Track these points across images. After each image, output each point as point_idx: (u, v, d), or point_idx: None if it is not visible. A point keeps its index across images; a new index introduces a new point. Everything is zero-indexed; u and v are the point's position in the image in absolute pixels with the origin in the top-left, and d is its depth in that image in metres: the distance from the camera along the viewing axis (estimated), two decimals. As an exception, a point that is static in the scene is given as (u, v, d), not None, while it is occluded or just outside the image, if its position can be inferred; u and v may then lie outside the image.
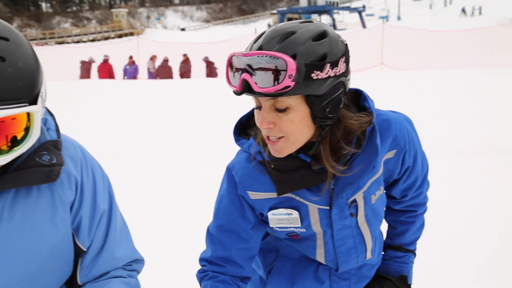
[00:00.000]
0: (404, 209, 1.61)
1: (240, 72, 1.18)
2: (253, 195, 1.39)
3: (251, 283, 1.63)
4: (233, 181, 1.41)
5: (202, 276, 1.45)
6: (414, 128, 1.46)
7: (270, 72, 1.15)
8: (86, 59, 18.94)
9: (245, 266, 1.45)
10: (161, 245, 4.24)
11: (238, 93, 1.20)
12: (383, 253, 1.66)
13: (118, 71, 19.06)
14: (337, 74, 1.21)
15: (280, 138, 1.25)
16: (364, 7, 60.61)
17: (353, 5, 72.62)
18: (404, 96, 10.25)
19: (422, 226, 1.65)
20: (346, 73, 1.25)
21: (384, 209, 1.54)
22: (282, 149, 1.27)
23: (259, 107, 1.25)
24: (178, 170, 6.74)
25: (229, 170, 1.42)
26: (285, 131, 1.23)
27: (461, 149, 7.18)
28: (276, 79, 1.14)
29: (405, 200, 1.57)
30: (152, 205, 5.31)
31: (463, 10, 50.46)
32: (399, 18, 56.25)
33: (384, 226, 1.62)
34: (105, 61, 18.17)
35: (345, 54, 1.24)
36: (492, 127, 8.28)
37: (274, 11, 63.94)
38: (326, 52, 1.18)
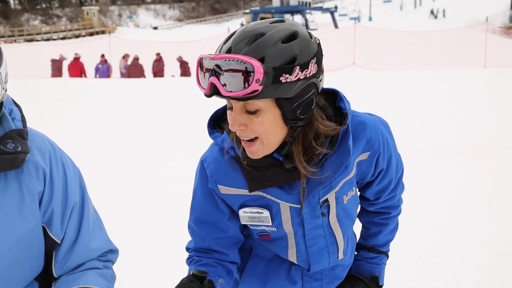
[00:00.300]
0: (378, 211, 1.61)
1: (209, 74, 1.18)
2: (224, 189, 1.39)
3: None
4: (204, 174, 1.41)
5: (189, 261, 1.47)
6: (389, 131, 1.47)
7: (238, 76, 1.14)
8: (57, 57, 18.61)
9: (229, 253, 1.46)
10: (130, 245, 4.23)
11: (207, 95, 1.19)
12: (356, 253, 1.66)
13: (90, 69, 18.80)
14: (308, 76, 1.20)
15: (254, 140, 1.25)
16: (336, 7, 61.10)
17: (326, 5, 73.14)
18: (376, 96, 10.40)
19: (395, 228, 1.66)
20: (318, 73, 1.24)
21: (357, 210, 1.55)
22: (257, 151, 1.27)
23: (230, 108, 1.25)
24: (151, 169, 6.71)
25: (201, 162, 1.42)
26: (257, 132, 1.24)
27: (433, 149, 7.34)
28: (244, 83, 1.13)
29: (379, 202, 1.57)
30: (126, 204, 5.29)
31: (432, 12, 51.25)
32: (370, 19, 56.88)
33: (357, 227, 1.64)
34: (76, 59, 17.87)
35: (317, 54, 1.23)
36: (463, 126, 8.47)
37: (247, 11, 63.91)
38: (295, 54, 1.17)
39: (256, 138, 1.25)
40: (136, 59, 17.95)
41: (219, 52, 1.20)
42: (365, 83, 12.18)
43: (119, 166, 6.97)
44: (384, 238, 1.64)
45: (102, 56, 18.38)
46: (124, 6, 76.13)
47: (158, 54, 18.38)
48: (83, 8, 62.17)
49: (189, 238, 1.51)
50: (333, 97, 1.38)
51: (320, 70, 1.25)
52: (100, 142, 8.36)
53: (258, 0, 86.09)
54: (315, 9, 63.79)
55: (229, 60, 1.14)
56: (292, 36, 1.19)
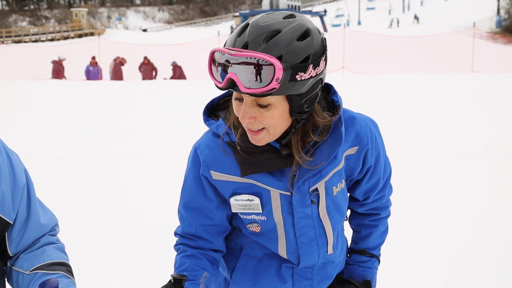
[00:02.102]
0: (367, 212, 1.63)
1: (222, 67, 1.20)
2: (216, 175, 1.41)
3: (216, 285, 1.64)
4: (197, 160, 1.43)
5: (176, 249, 1.50)
6: (378, 131, 1.50)
7: (261, 75, 1.16)
8: (56, 59, 18.40)
9: (214, 241, 1.49)
10: (120, 248, 4.22)
11: (222, 88, 1.21)
12: (347, 257, 1.67)
13: (80, 71, 18.67)
14: (318, 73, 1.24)
15: (261, 129, 1.29)
16: (325, 11, 61.29)
17: (315, 9, 73.43)
18: (365, 100, 10.46)
19: (386, 231, 1.67)
20: (325, 70, 1.28)
21: (347, 206, 1.56)
22: (262, 139, 1.31)
23: (238, 99, 1.28)
24: (141, 171, 6.71)
25: (195, 149, 1.45)
26: (265, 125, 1.28)
27: (421, 152, 7.40)
28: (265, 81, 1.17)
29: (368, 202, 1.59)
30: (116, 207, 5.28)
31: (416, 17, 51.61)
32: (359, 23, 57.19)
33: (348, 233, 1.66)
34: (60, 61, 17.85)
35: (325, 51, 1.27)
36: (451, 130, 8.56)
37: (237, 14, 63.93)
38: (310, 53, 1.21)
39: (263, 128, 1.29)
40: (118, 61, 17.70)
41: (233, 46, 1.21)
42: (354, 87, 12.25)
43: (108, 168, 6.95)
44: (375, 240, 1.65)
45: (93, 58, 18.15)
46: (113, 8, 75.82)
47: (145, 58, 18.20)
48: (72, 9, 61.84)
49: None
50: (327, 91, 1.43)
51: (326, 67, 1.29)
52: (89, 144, 8.33)
53: (248, 3, 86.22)
54: (305, 12, 63.93)
55: (250, 57, 1.16)
56: (306, 34, 1.22)
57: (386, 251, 1.85)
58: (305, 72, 1.20)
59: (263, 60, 1.16)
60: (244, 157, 1.36)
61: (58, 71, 18.12)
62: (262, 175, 1.38)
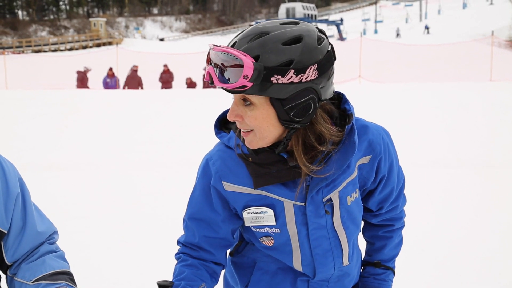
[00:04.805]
0: (381, 223, 1.60)
1: (209, 63, 1.25)
2: (228, 186, 1.41)
3: None
4: (209, 172, 1.43)
5: (176, 258, 1.50)
6: (391, 141, 1.48)
7: (230, 69, 1.19)
8: (82, 69, 18.61)
9: (216, 254, 1.48)
10: (130, 257, 4.23)
11: (209, 83, 1.25)
12: (362, 270, 1.65)
13: (97, 81, 18.85)
14: (303, 80, 1.21)
15: (250, 131, 1.30)
16: (342, 20, 61.31)
17: (331, 18, 73.48)
18: (382, 109, 10.40)
19: (400, 242, 1.65)
20: (319, 80, 1.24)
21: (361, 217, 1.53)
22: (251, 142, 1.31)
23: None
24: (154, 181, 6.74)
25: (206, 160, 1.45)
26: (250, 125, 1.28)
27: (438, 162, 7.33)
28: (234, 77, 1.19)
29: (382, 213, 1.56)
30: (128, 215, 5.31)
31: (426, 28, 51.29)
32: (376, 31, 57.04)
33: (362, 245, 1.63)
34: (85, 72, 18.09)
35: (320, 62, 1.23)
36: (469, 140, 8.46)
37: (253, 23, 64.14)
38: (293, 58, 1.19)
39: (252, 130, 1.30)
40: (135, 70, 17.82)
41: (227, 45, 1.25)
42: (370, 95, 12.19)
43: (124, 177, 7.00)
44: (390, 252, 1.63)
45: (110, 69, 18.18)
46: (131, 18, 76.74)
47: (165, 66, 18.44)
48: (91, 19, 62.67)
49: None
50: (339, 101, 1.41)
51: (323, 77, 1.25)
52: (105, 153, 8.40)
53: (264, 13, 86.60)
54: (321, 21, 64.08)
55: (225, 53, 1.20)
56: (296, 40, 1.21)
57: (399, 262, 1.81)
58: (283, 76, 1.19)
59: (235, 57, 1.18)
60: (256, 169, 1.35)
61: (82, 80, 18.30)
62: (275, 186, 1.37)
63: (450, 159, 7.44)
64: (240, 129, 1.35)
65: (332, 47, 1.29)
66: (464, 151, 7.85)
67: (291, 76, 1.20)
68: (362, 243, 1.63)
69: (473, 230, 4.68)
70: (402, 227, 1.64)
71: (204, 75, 14.81)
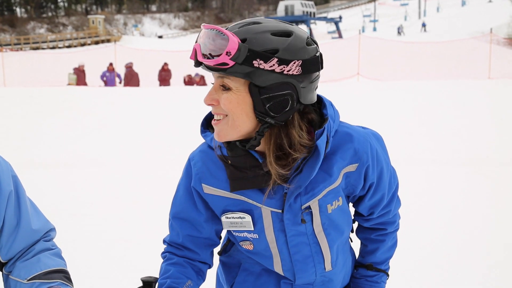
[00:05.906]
0: (374, 227, 1.57)
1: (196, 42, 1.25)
2: (207, 189, 1.40)
3: None
4: (190, 172, 1.43)
5: (162, 257, 1.51)
6: (382, 145, 1.45)
7: (213, 45, 1.20)
8: (77, 66, 18.64)
9: (201, 253, 1.48)
10: (132, 253, 4.23)
11: (194, 63, 1.25)
12: (355, 271, 1.63)
13: (97, 78, 18.83)
14: (285, 72, 1.20)
15: (223, 119, 1.28)
16: (340, 17, 61.20)
17: (330, 15, 73.39)
18: (380, 107, 10.40)
19: (394, 245, 1.62)
20: (301, 78, 1.23)
21: (349, 223, 1.49)
22: (220, 131, 1.28)
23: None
24: (155, 177, 6.73)
25: (189, 160, 1.45)
26: (225, 110, 1.26)
27: (436, 160, 7.33)
28: (217, 52, 1.19)
29: (373, 217, 1.53)
30: (130, 212, 5.30)
31: (423, 25, 51.14)
32: (374, 29, 56.98)
33: (356, 245, 1.62)
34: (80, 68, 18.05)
35: (306, 61, 1.23)
36: (467, 138, 8.47)
37: (252, 20, 64.12)
38: (278, 48, 1.20)
39: (224, 117, 1.28)
40: (130, 67, 17.79)
41: None
42: (369, 93, 12.20)
43: (120, 173, 6.99)
44: (383, 255, 1.60)
45: (111, 64, 18.41)
46: (130, 15, 76.59)
47: (166, 64, 18.44)
48: (89, 16, 62.60)
49: None
50: (320, 105, 1.38)
51: (304, 76, 1.24)
52: (103, 151, 8.39)
53: (263, 10, 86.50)
54: (320, 19, 63.97)
55: (212, 30, 1.21)
56: (285, 34, 1.22)
57: (394, 262, 1.80)
58: (265, 62, 1.19)
59: (221, 34, 1.20)
60: (234, 172, 1.33)
61: (78, 77, 18.33)
62: (252, 192, 1.35)
63: (448, 157, 7.44)
64: None
65: (321, 55, 1.29)
66: (462, 148, 7.86)
67: (274, 65, 1.19)
68: (356, 243, 1.62)
69: (472, 229, 4.68)
70: (396, 230, 1.60)
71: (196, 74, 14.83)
